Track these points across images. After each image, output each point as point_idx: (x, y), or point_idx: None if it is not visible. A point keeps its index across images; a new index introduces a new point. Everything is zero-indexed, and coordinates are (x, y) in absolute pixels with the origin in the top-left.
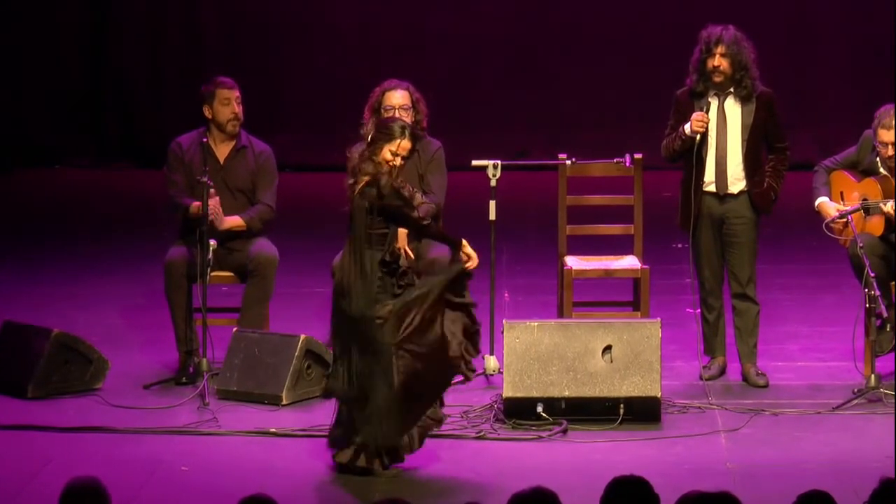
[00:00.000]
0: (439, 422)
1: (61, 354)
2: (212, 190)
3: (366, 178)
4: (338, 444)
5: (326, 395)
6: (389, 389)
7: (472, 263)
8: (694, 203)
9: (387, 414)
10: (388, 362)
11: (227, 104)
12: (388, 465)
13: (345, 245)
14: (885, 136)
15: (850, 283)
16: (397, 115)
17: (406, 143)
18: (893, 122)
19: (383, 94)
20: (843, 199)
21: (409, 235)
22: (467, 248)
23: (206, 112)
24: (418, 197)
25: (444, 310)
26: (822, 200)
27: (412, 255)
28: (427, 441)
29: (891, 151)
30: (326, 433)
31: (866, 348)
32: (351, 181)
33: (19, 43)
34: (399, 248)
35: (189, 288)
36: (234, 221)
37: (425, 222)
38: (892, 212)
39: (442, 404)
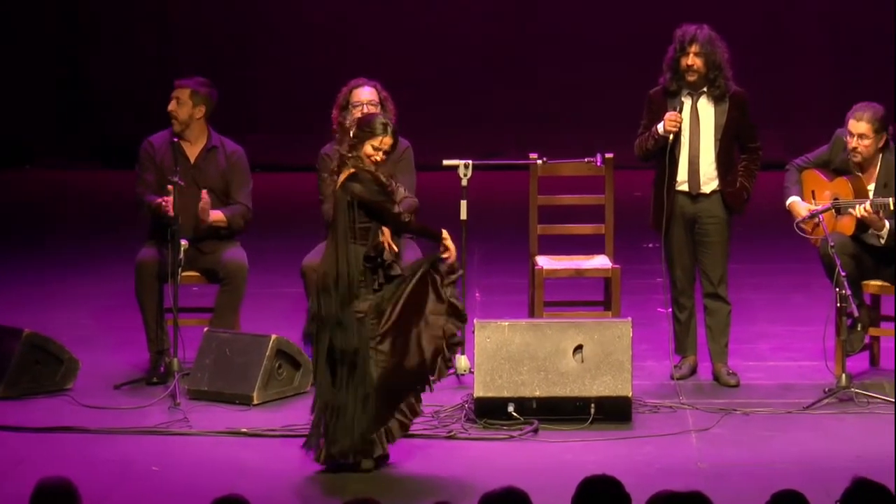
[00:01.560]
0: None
1: (32, 355)
2: (181, 186)
3: (348, 172)
4: (314, 447)
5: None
6: (364, 394)
7: (451, 256)
8: (666, 202)
9: (360, 421)
10: (365, 359)
11: (170, 101)
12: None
13: (327, 240)
14: (854, 126)
15: (821, 283)
16: (366, 110)
17: (388, 139)
18: (865, 116)
19: (350, 91)
20: (814, 198)
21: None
22: (447, 241)
23: None
24: (401, 191)
25: (425, 305)
26: (793, 200)
27: (395, 248)
28: (398, 441)
29: (854, 143)
30: (298, 433)
31: (837, 348)
32: (333, 176)
33: None
34: (383, 243)
35: (160, 288)
36: (217, 216)
37: (406, 218)
38: (864, 214)
39: (419, 400)
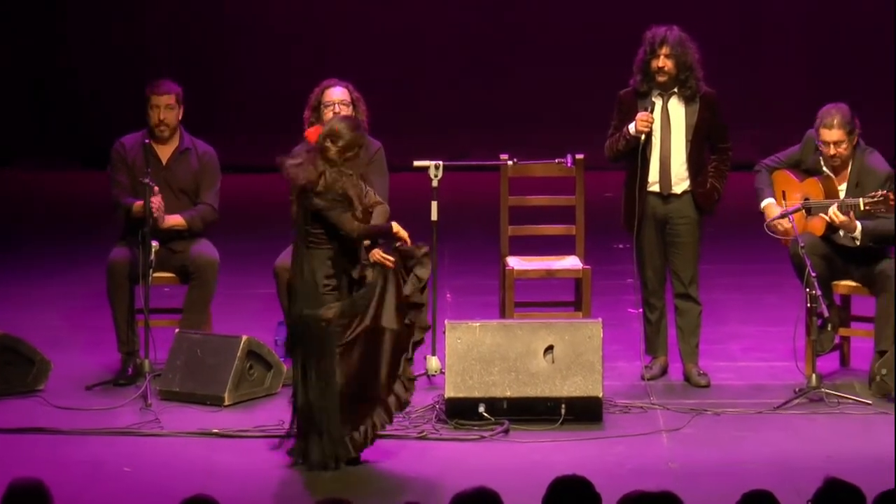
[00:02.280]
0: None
1: (3, 356)
2: (155, 188)
3: (304, 181)
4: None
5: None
6: (332, 399)
7: (405, 241)
8: (638, 203)
9: (334, 429)
10: (329, 366)
11: (156, 109)
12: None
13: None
14: (827, 135)
15: (792, 283)
16: (338, 109)
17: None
18: (835, 122)
19: (322, 91)
20: (784, 199)
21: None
22: (399, 232)
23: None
24: (371, 195)
25: (393, 308)
26: (768, 202)
27: (390, 261)
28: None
29: (832, 150)
30: (270, 434)
31: (807, 348)
32: (293, 184)
33: None
34: (365, 268)
35: (131, 289)
36: (175, 220)
37: (356, 229)
38: (834, 217)
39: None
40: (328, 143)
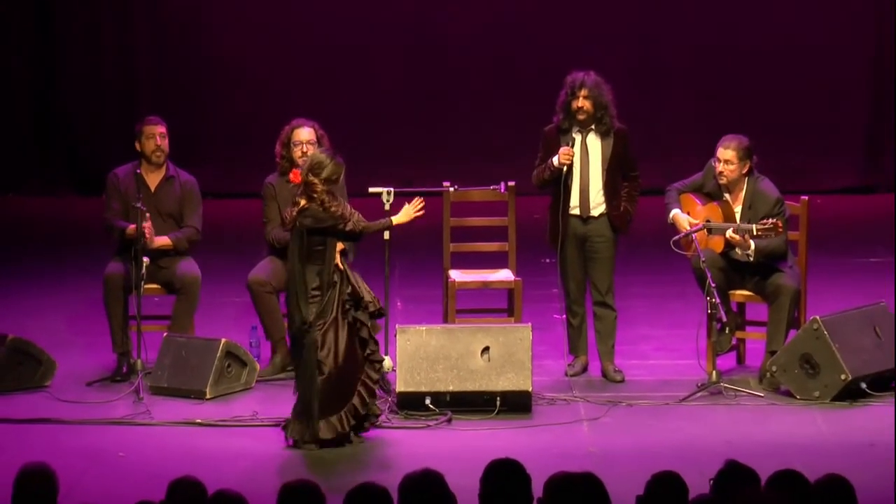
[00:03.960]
0: (375, 416)
1: (15, 357)
2: (147, 214)
3: (300, 207)
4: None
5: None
6: (313, 390)
7: (419, 210)
8: (561, 224)
9: (313, 413)
10: (310, 363)
11: (152, 138)
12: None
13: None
14: (721, 153)
15: (694, 292)
16: (305, 148)
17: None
18: (731, 145)
19: (292, 130)
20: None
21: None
22: (407, 216)
23: (137, 146)
24: (347, 207)
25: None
26: (675, 212)
27: (341, 266)
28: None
29: (721, 167)
30: (245, 423)
31: (708, 348)
32: (292, 209)
33: None
34: (336, 265)
35: (125, 298)
36: (163, 241)
37: (357, 227)
38: (733, 235)
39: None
40: (311, 177)
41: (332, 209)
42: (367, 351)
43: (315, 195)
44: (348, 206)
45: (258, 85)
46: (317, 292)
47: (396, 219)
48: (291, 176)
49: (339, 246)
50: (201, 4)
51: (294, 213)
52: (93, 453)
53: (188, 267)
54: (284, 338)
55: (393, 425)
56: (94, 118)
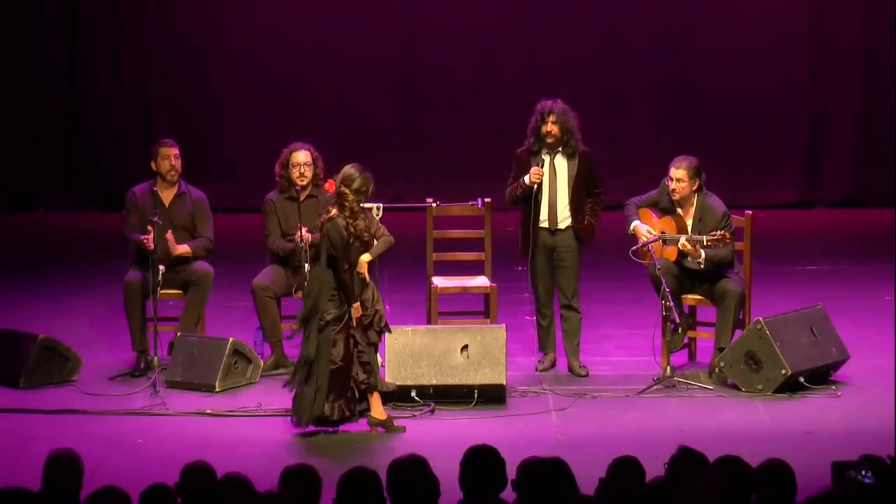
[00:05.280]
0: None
1: (45, 354)
2: (161, 225)
3: (330, 215)
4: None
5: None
6: (320, 381)
7: (354, 319)
8: (531, 235)
9: (311, 393)
10: (322, 357)
11: (167, 159)
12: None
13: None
14: (673, 173)
15: (651, 297)
16: (302, 170)
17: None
18: (682, 165)
19: (290, 153)
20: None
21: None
22: (354, 311)
23: (153, 166)
24: (378, 225)
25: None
26: (635, 224)
27: (366, 277)
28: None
29: (673, 185)
30: (251, 413)
31: (663, 346)
32: (323, 216)
33: (6, 113)
34: (361, 275)
35: (142, 302)
36: (184, 249)
37: (343, 275)
38: (685, 246)
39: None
40: (343, 188)
41: (358, 222)
42: (359, 349)
43: (346, 203)
44: (377, 224)
45: (259, 109)
46: (334, 293)
47: (356, 310)
48: (326, 186)
49: (367, 257)
50: (209, 43)
51: (324, 219)
52: (114, 440)
53: (202, 264)
54: (281, 340)
55: None
56: (115, 143)
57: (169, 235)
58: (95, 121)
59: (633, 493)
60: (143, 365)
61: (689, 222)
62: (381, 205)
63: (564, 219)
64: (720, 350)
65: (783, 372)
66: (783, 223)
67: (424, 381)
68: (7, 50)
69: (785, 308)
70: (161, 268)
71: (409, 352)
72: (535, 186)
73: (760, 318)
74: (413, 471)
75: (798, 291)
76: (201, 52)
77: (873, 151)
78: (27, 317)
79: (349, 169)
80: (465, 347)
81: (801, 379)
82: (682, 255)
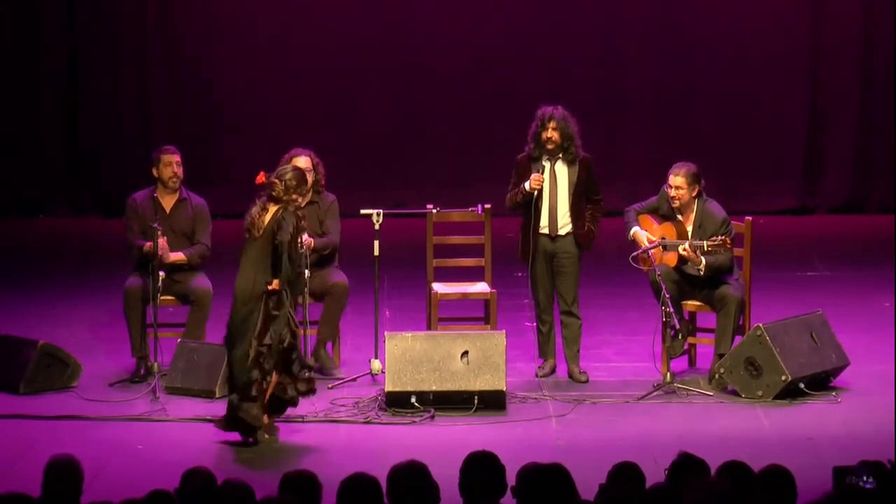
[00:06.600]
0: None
1: (45, 360)
2: (159, 231)
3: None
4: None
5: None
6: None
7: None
8: (532, 242)
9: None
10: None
11: (169, 166)
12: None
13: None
14: (672, 180)
15: (651, 303)
16: None
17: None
18: (681, 172)
19: (291, 159)
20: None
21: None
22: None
23: (154, 172)
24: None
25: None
26: (635, 230)
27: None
28: (326, 425)
29: (672, 192)
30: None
31: (663, 352)
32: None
33: (7, 119)
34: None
35: (142, 309)
36: (178, 256)
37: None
38: (685, 252)
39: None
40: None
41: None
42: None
43: (273, 193)
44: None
45: (259, 117)
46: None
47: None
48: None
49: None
50: (210, 49)
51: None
52: (114, 446)
53: (201, 281)
54: None
55: (382, 421)
56: (115, 150)
57: (163, 242)
58: (96, 126)
59: (633, 498)
60: (142, 371)
61: (690, 228)
62: (380, 210)
63: (565, 225)
64: (720, 356)
65: (783, 378)
66: (783, 229)
67: (424, 387)
68: (7, 55)
69: (785, 314)
70: (161, 274)
71: (408, 358)
72: (536, 193)
73: (760, 325)
74: (413, 477)
75: (798, 297)
76: (202, 58)
77: (873, 158)
78: (27, 323)
79: (287, 166)
80: (465, 353)
81: (801, 385)
82: (683, 261)
